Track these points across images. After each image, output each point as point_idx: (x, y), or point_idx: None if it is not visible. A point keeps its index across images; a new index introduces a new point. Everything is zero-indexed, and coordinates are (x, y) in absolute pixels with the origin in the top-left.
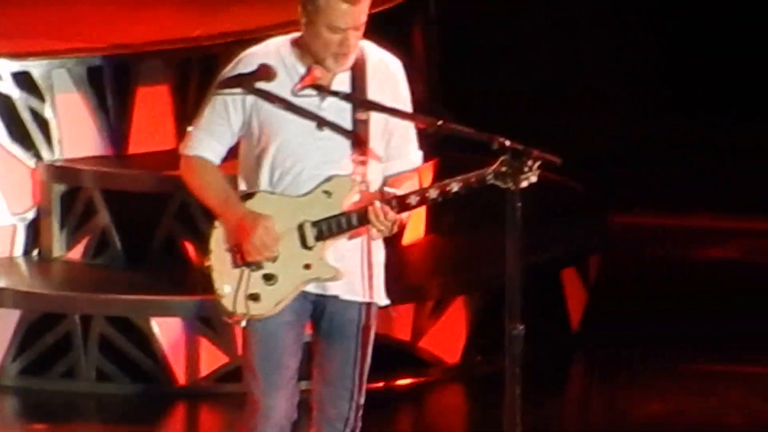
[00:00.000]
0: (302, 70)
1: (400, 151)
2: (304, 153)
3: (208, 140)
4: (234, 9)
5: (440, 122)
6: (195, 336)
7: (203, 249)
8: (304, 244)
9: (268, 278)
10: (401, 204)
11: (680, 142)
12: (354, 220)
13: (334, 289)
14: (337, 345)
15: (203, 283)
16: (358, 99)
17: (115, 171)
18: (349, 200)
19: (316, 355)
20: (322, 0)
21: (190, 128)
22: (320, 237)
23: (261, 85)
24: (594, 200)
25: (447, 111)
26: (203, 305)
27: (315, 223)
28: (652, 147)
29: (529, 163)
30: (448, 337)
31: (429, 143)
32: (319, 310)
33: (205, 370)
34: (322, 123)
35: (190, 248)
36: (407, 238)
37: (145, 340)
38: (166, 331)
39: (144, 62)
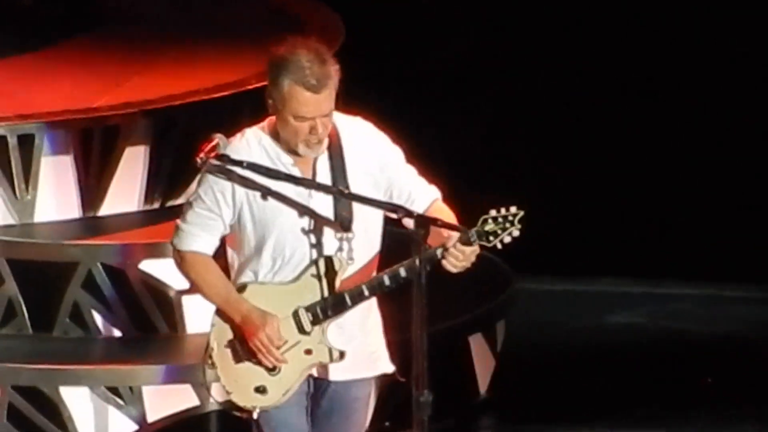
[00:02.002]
0: (286, 158)
1: (412, 194)
2: (298, 241)
3: (202, 234)
4: (135, 79)
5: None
6: (103, 405)
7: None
8: (302, 331)
9: (272, 369)
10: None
11: (584, 206)
12: (348, 300)
13: (338, 374)
14: (343, 421)
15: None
16: (336, 191)
17: (21, 240)
18: (339, 280)
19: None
20: (286, 90)
21: (179, 222)
22: (316, 321)
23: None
24: (500, 266)
25: None
26: (111, 375)
27: (308, 308)
28: (558, 211)
29: (510, 217)
30: None
31: None
32: (321, 390)
33: None
34: (312, 216)
35: (96, 316)
36: None
37: (54, 409)
38: (74, 399)
39: (48, 132)
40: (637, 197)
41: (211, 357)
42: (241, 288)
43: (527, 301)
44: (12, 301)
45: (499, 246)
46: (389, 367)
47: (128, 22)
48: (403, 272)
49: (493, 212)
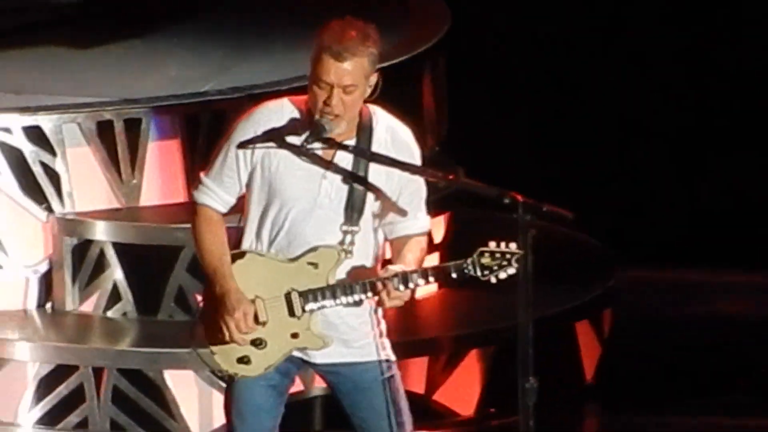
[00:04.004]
0: (300, 139)
1: (407, 212)
2: (301, 219)
3: (217, 190)
4: (243, 64)
5: (451, 176)
6: (207, 388)
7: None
8: (291, 313)
9: (258, 343)
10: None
11: (694, 194)
12: (339, 296)
13: (320, 357)
14: (366, 404)
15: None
16: (365, 152)
17: (126, 224)
18: (335, 272)
19: (350, 416)
20: (316, 52)
21: (202, 174)
22: (306, 308)
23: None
24: (607, 254)
25: (458, 165)
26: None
27: (302, 294)
28: (666, 199)
29: (508, 255)
30: (462, 390)
31: (441, 197)
32: (334, 376)
33: (218, 421)
34: (321, 200)
35: (201, 300)
36: (420, 292)
37: (158, 392)
38: (178, 383)
39: (154, 116)
40: (747, 186)
41: (201, 317)
42: (240, 255)
43: (634, 289)
44: (117, 285)
45: (493, 280)
46: (390, 355)
47: (237, 7)
48: (396, 282)
49: (492, 245)
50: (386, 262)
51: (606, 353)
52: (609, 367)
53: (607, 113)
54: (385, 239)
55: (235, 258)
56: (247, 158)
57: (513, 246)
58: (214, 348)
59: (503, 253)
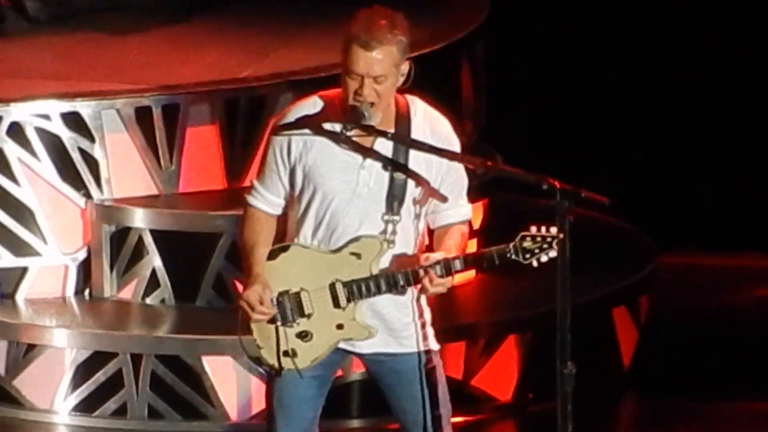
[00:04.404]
0: (338, 127)
1: (449, 201)
2: (341, 210)
3: (264, 193)
4: (282, 50)
5: (489, 163)
6: (246, 374)
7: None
8: (336, 304)
9: (304, 335)
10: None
11: (732, 180)
12: (383, 286)
13: (365, 347)
14: (406, 395)
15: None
16: (404, 139)
17: (165, 211)
18: (378, 262)
19: (391, 406)
20: (345, 42)
21: (254, 179)
22: (351, 298)
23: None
24: (644, 239)
25: (496, 151)
26: (254, 344)
27: (346, 284)
28: (704, 184)
29: (549, 238)
30: (499, 376)
31: (478, 184)
32: (377, 365)
33: (256, 407)
34: (360, 191)
35: (240, 287)
36: (458, 278)
37: (196, 378)
38: (217, 369)
39: (193, 103)
40: None
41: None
42: (284, 248)
43: (671, 275)
44: (156, 272)
45: (535, 264)
46: (432, 344)
47: None
48: (438, 269)
49: (533, 229)
50: (427, 250)
51: (643, 339)
52: (646, 352)
53: (651, 96)
54: (427, 228)
55: (279, 251)
56: (284, 157)
57: (553, 230)
58: (260, 342)
59: (544, 237)
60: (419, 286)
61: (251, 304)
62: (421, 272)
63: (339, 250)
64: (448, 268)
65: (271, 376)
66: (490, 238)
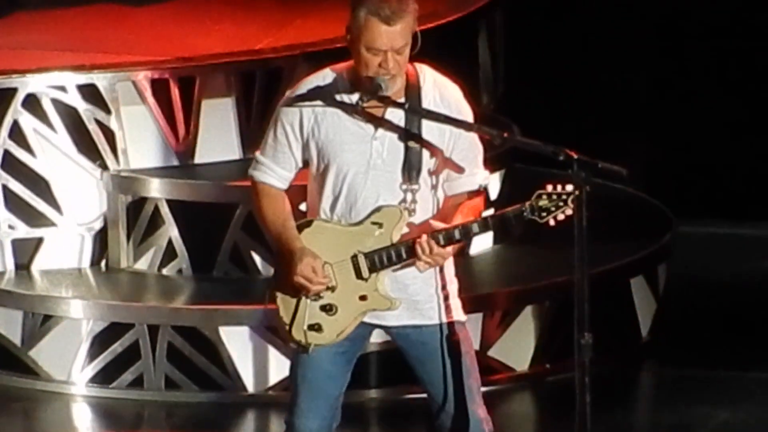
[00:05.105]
0: (354, 98)
1: (463, 169)
2: (358, 182)
3: (273, 167)
4: (298, 22)
5: (505, 134)
6: (263, 344)
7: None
8: (359, 276)
9: (328, 309)
10: (448, 238)
11: (748, 150)
12: (404, 253)
13: (392, 320)
14: (433, 367)
15: (268, 294)
16: (420, 110)
17: (181, 181)
18: (399, 231)
19: (420, 380)
20: (361, 20)
21: (257, 153)
22: (373, 269)
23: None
24: (661, 209)
25: (513, 121)
26: (270, 314)
27: (367, 255)
28: (722, 154)
29: (564, 196)
30: (516, 346)
31: (495, 155)
32: (404, 339)
33: (273, 378)
34: (376, 161)
35: (256, 258)
36: (475, 249)
37: (213, 349)
38: (234, 339)
39: (208, 74)
40: None
41: (272, 289)
42: (307, 224)
43: (689, 245)
44: (172, 242)
45: (552, 222)
46: (457, 316)
47: None
48: (457, 234)
49: (549, 188)
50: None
51: (661, 309)
52: (664, 322)
53: (663, 70)
54: (445, 196)
55: (302, 227)
56: (296, 131)
57: (569, 187)
58: (285, 319)
59: (559, 194)
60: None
61: (308, 277)
62: (441, 236)
63: (361, 222)
64: (467, 232)
65: (296, 352)
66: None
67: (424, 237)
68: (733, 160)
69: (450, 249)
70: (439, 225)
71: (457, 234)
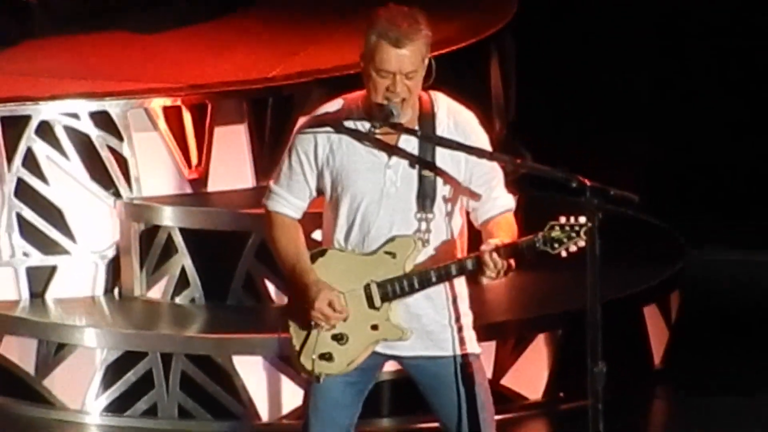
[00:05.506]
0: (368, 125)
1: (484, 196)
2: (371, 211)
3: (287, 196)
4: (310, 49)
5: (518, 160)
6: (277, 373)
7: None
8: (371, 305)
9: (339, 338)
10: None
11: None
12: (416, 283)
13: (405, 350)
14: (448, 399)
15: (281, 323)
16: (432, 136)
17: (194, 209)
18: (413, 260)
19: (434, 412)
20: (372, 43)
21: (270, 182)
22: (386, 298)
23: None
24: (674, 237)
25: (525, 148)
26: (284, 343)
27: (380, 284)
28: (735, 182)
29: (577, 227)
30: (530, 374)
31: (507, 182)
32: (417, 369)
33: (287, 407)
34: (390, 190)
35: (269, 286)
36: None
37: (226, 378)
38: (247, 368)
39: (221, 101)
40: None
41: (285, 318)
42: (321, 252)
43: (701, 272)
44: (185, 271)
45: (564, 254)
46: (471, 348)
47: None
48: (469, 264)
49: (562, 219)
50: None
51: (674, 337)
52: (677, 350)
53: (676, 96)
54: (473, 226)
55: (315, 256)
56: (311, 160)
57: (582, 219)
58: (297, 348)
59: (572, 226)
60: (454, 285)
61: (326, 314)
62: (469, 263)
63: (375, 251)
64: (479, 263)
65: (310, 381)
66: (520, 235)
67: (486, 251)
68: (746, 186)
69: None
70: (495, 241)
71: (470, 264)
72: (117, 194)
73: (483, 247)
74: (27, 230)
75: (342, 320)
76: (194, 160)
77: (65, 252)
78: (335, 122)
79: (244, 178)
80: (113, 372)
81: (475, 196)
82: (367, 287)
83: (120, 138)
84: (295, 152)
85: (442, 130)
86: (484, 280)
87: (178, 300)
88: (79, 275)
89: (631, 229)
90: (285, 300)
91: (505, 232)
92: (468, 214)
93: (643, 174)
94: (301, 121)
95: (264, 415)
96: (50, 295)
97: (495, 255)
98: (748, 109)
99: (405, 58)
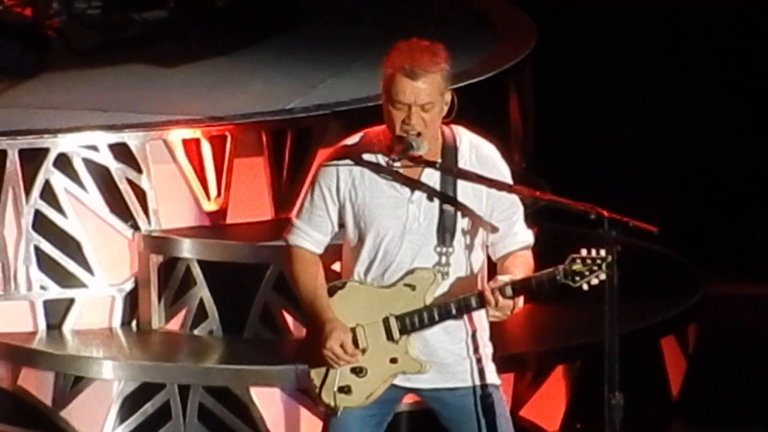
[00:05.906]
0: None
1: (503, 230)
2: (394, 246)
3: (308, 231)
4: (329, 81)
5: (537, 192)
6: (295, 405)
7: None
8: (390, 338)
9: (358, 371)
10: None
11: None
12: (436, 315)
13: (424, 383)
14: (465, 429)
15: (300, 356)
16: (453, 168)
17: (213, 241)
18: (432, 293)
19: None
20: (389, 75)
21: (292, 216)
22: (404, 331)
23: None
24: (692, 269)
25: (544, 179)
26: (302, 375)
27: (399, 317)
28: (754, 216)
29: (598, 261)
30: (548, 406)
31: (527, 213)
32: (437, 402)
33: None
34: (412, 224)
35: (287, 318)
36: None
37: (244, 410)
38: (265, 400)
39: (240, 133)
40: None
41: (304, 351)
42: (341, 285)
43: (720, 305)
44: (203, 303)
45: (585, 287)
46: (491, 379)
47: (323, 24)
48: (473, 301)
49: (583, 252)
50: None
51: (692, 369)
52: (695, 383)
53: (700, 125)
54: (489, 259)
55: (335, 289)
56: (333, 195)
57: (603, 252)
58: (316, 381)
59: (594, 259)
60: (473, 318)
61: (337, 354)
62: (476, 299)
63: (394, 284)
64: (500, 293)
65: (327, 414)
66: (540, 267)
67: (488, 289)
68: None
69: (517, 301)
70: (504, 279)
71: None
72: (135, 226)
73: (489, 284)
74: (45, 263)
75: (354, 361)
76: (213, 191)
77: (83, 285)
78: (357, 156)
79: (263, 210)
80: (131, 404)
81: (495, 230)
82: (386, 320)
83: (139, 170)
84: (317, 186)
85: (464, 163)
86: (489, 318)
87: (196, 332)
88: (97, 307)
89: (650, 261)
90: (303, 332)
91: (520, 269)
92: (487, 248)
93: (663, 208)
94: (322, 154)
95: None
96: (67, 327)
97: (497, 293)
98: (748, 109)
99: (420, 91)
